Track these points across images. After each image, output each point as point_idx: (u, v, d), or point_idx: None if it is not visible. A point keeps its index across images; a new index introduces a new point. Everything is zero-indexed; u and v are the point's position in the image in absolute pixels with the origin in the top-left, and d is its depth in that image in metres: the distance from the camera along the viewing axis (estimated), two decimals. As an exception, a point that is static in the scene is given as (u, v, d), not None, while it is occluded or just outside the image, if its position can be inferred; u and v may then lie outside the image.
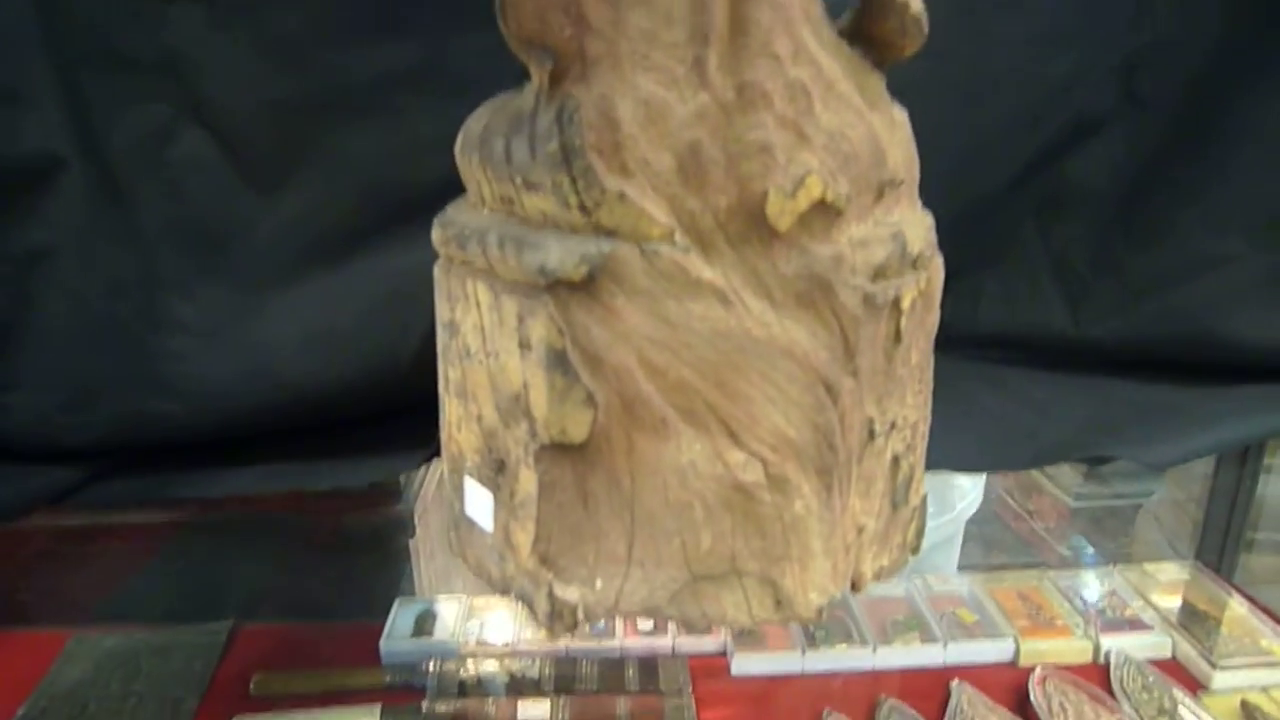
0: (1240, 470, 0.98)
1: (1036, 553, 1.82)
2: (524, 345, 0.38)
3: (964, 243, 0.75)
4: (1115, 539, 1.76)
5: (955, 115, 0.65)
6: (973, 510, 1.25)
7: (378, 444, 0.69)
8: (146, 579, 0.96)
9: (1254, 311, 0.68)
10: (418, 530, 0.94)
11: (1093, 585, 0.95)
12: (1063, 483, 1.92)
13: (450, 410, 0.44)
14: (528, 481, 0.39)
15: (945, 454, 0.62)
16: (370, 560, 0.97)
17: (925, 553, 1.13)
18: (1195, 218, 0.69)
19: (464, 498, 0.44)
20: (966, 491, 1.24)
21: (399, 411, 0.66)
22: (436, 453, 0.68)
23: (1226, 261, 0.68)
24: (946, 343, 0.78)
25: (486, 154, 0.40)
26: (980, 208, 0.71)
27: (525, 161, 0.37)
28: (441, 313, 0.44)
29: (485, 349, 0.40)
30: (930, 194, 0.73)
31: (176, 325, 0.64)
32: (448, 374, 0.44)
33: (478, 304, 0.40)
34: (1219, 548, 0.99)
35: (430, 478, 0.99)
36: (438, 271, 0.43)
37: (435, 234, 0.43)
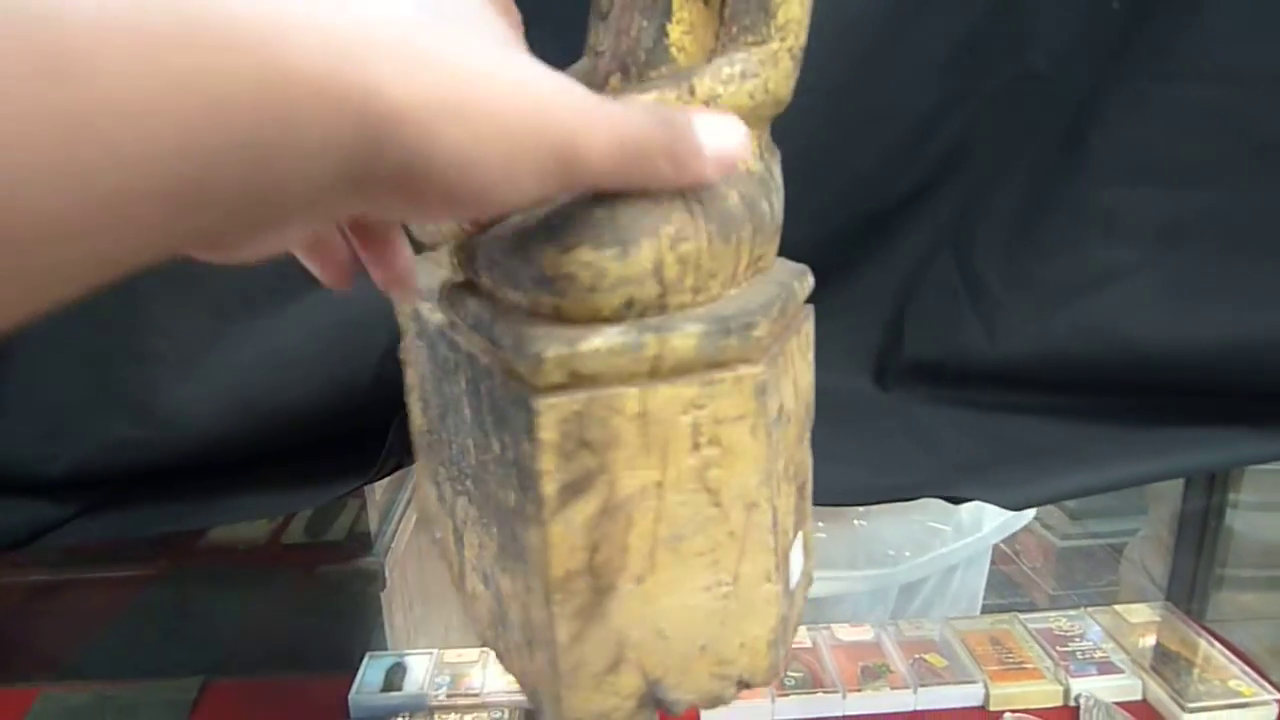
0: (1206, 505, 0.99)
1: (1024, 592, 1.81)
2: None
3: (878, 275, 0.78)
4: (1101, 578, 1.76)
5: (845, 147, 0.69)
6: (1008, 532, 1.18)
7: (340, 463, 0.70)
8: (116, 633, 0.96)
9: (1153, 320, 0.70)
10: (389, 582, 0.94)
11: (1064, 628, 0.95)
12: (1050, 522, 1.92)
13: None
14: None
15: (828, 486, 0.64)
16: (341, 613, 0.97)
17: (952, 573, 1.13)
18: (1091, 232, 0.71)
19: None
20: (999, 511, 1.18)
21: (362, 431, 0.67)
22: (388, 470, 0.70)
23: (1125, 273, 0.70)
24: (876, 375, 0.81)
25: None
26: (888, 239, 0.73)
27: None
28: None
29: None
30: (832, 226, 0.75)
31: (152, 356, 0.65)
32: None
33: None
34: (1189, 587, 1.00)
35: (402, 529, 0.99)
36: None
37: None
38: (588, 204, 0.34)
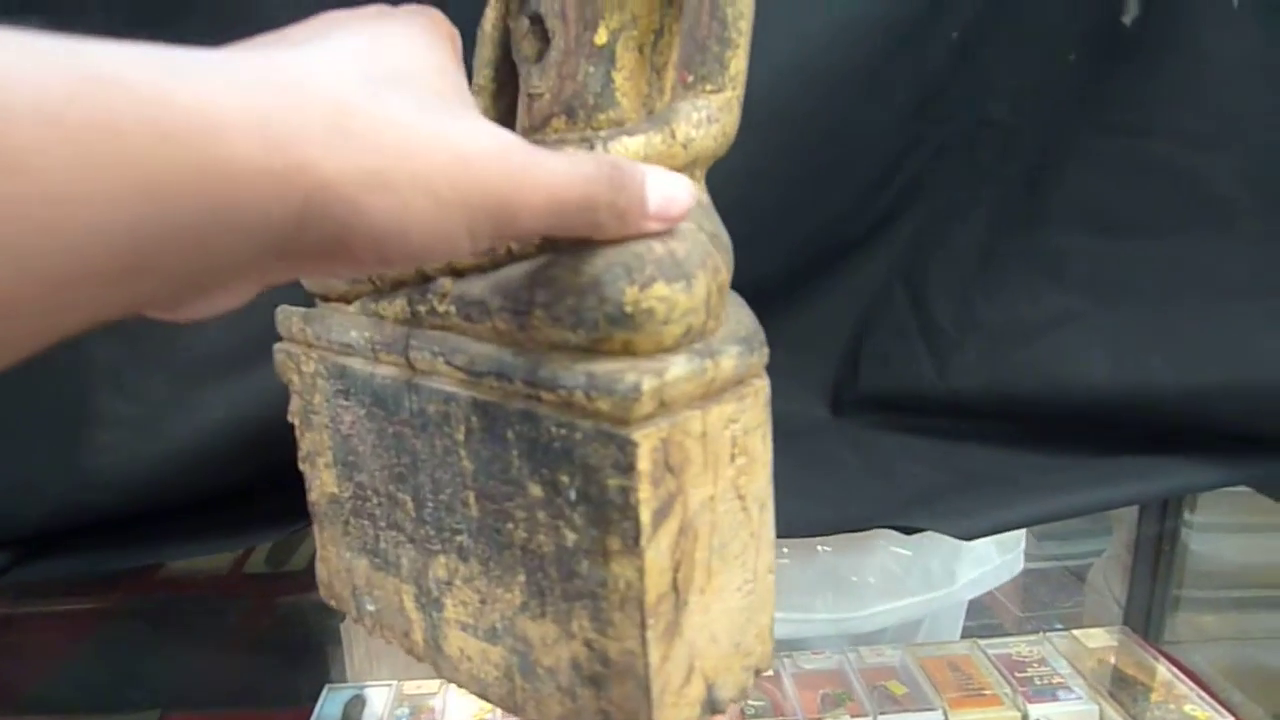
0: (1162, 528, 1.01)
1: (992, 614, 1.83)
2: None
3: (835, 309, 0.80)
4: (1068, 599, 1.78)
5: (809, 187, 0.71)
6: (982, 588, 1.14)
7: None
8: (74, 667, 0.95)
9: (1100, 364, 0.71)
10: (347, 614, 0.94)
11: (1023, 654, 0.96)
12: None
13: None
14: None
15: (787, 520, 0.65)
16: (301, 644, 0.96)
17: (918, 626, 1.12)
18: (1042, 277, 0.74)
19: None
20: (983, 559, 1.13)
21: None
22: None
23: (1073, 318, 0.72)
24: (832, 406, 0.82)
25: None
26: (845, 275, 0.75)
27: None
28: None
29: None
30: (793, 261, 0.76)
31: (109, 418, 0.65)
32: None
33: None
34: (1146, 609, 1.01)
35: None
36: None
37: None
38: (644, 241, 0.37)
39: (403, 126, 0.26)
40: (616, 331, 0.36)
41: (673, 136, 0.44)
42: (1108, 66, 0.71)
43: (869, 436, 0.78)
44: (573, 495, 0.37)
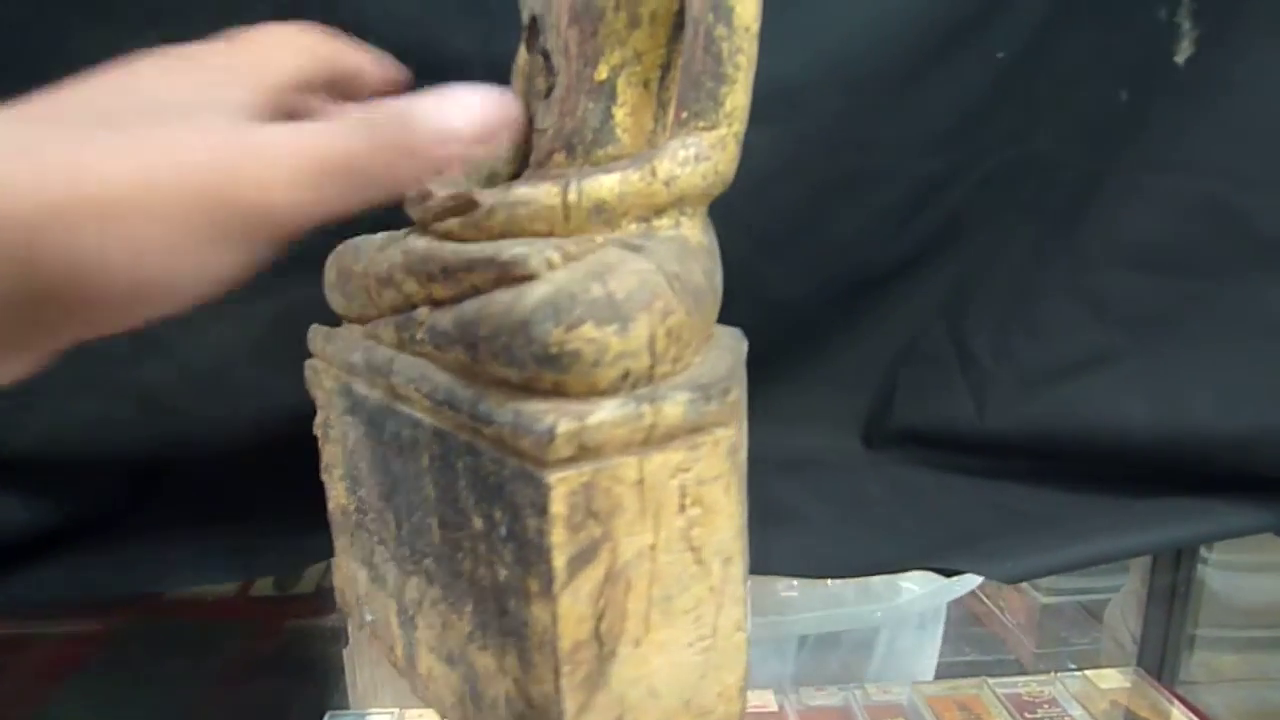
0: (1177, 564, 0.98)
1: (1010, 649, 1.80)
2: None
3: (871, 341, 0.79)
4: (1085, 635, 1.75)
5: (845, 210, 0.70)
6: (940, 599, 1.12)
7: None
8: (76, 689, 0.95)
9: (1141, 404, 0.69)
10: (351, 639, 0.93)
11: (1034, 693, 0.94)
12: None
13: None
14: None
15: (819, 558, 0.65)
16: (304, 669, 0.96)
17: (876, 635, 1.09)
18: (1083, 314, 0.72)
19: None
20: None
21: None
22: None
23: (1115, 356, 0.70)
24: (866, 440, 0.81)
25: None
26: (882, 307, 0.74)
27: None
28: None
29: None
30: (829, 290, 0.75)
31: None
32: None
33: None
34: (1160, 649, 0.99)
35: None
36: None
37: None
38: (584, 280, 0.36)
39: (109, 151, 0.24)
40: (545, 372, 0.36)
41: (653, 174, 0.43)
42: (1158, 104, 0.69)
43: (905, 473, 0.75)
44: (503, 532, 0.37)
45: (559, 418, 0.34)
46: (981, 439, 0.75)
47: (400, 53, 0.41)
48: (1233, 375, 0.67)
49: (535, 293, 0.36)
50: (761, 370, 0.75)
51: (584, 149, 0.48)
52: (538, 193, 0.43)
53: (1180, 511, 0.71)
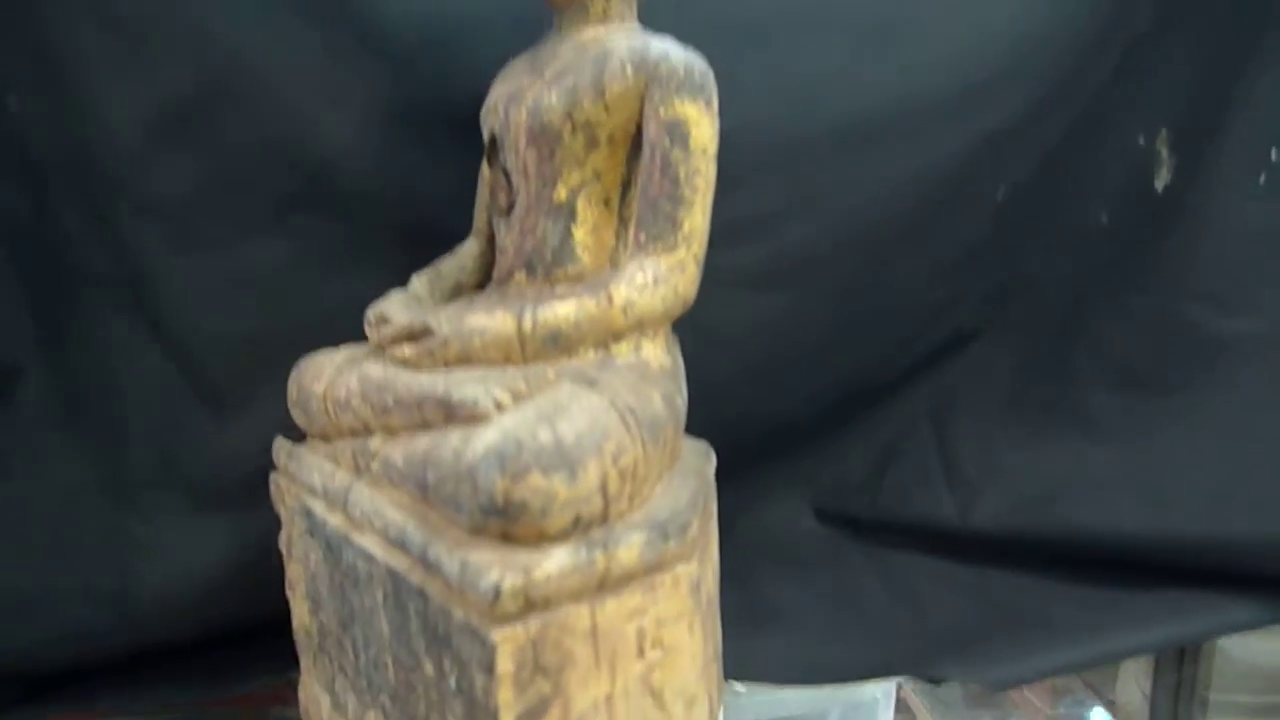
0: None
1: (1025, 714, 1.75)
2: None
3: (862, 442, 0.79)
4: (1101, 696, 1.70)
5: (851, 337, 0.72)
6: None
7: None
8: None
9: (1127, 515, 0.70)
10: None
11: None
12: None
13: None
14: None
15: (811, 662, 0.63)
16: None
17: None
18: (1068, 429, 0.73)
19: None
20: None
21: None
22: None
23: (1100, 470, 0.71)
24: (855, 532, 0.80)
25: None
26: (875, 413, 0.74)
27: None
28: None
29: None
30: (825, 402, 0.76)
31: (124, 537, 0.65)
32: None
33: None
34: (1172, 711, 0.96)
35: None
36: None
37: None
38: (532, 425, 0.35)
39: None
40: (492, 521, 0.35)
41: (609, 301, 0.43)
42: (1140, 228, 0.71)
43: (893, 571, 0.75)
44: (453, 684, 0.36)
45: (504, 572, 0.33)
46: (965, 539, 0.75)
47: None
48: (1218, 486, 0.67)
49: (482, 440, 0.35)
50: (751, 468, 0.76)
51: (544, 268, 0.48)
52: (493, 322, 0.43)
53: (1171, 608, 0.69)
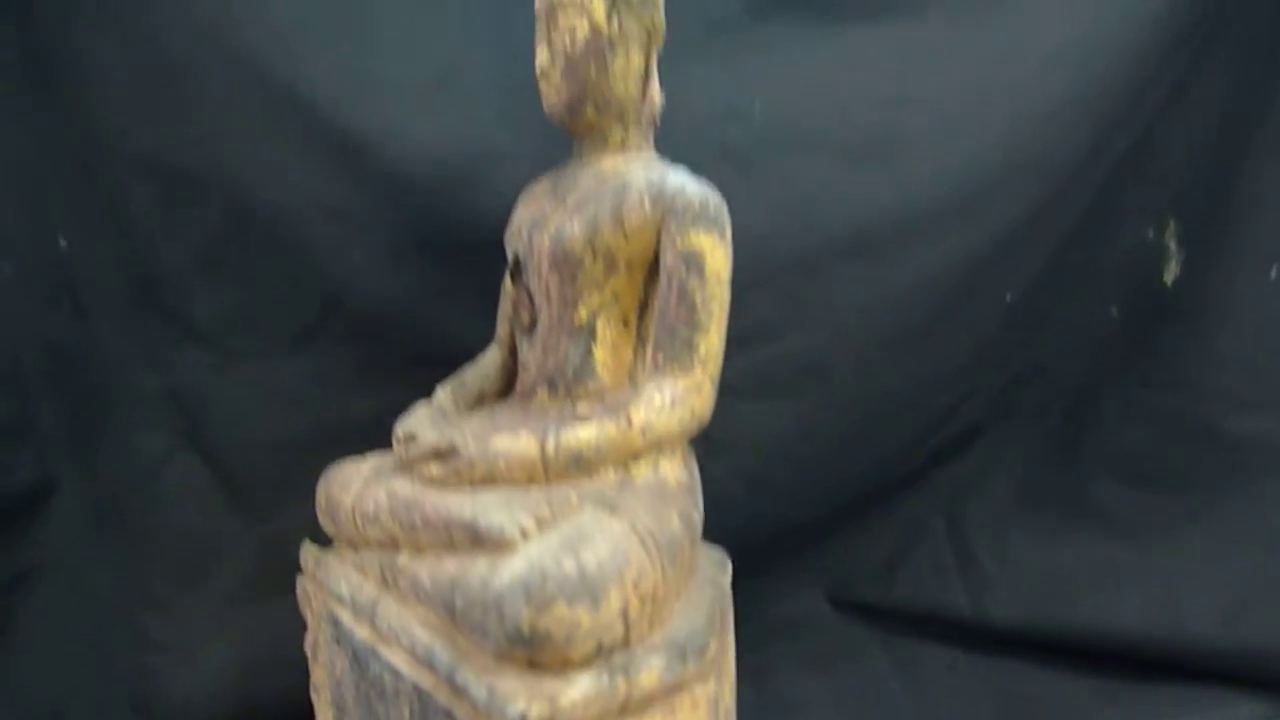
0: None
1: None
2: None
3: (878, 530, 0.80)
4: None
5: (867, 439, 0.74)
6: None
7: None
8: None
9: (1142, 613, 0.70)
10: None
11: None
12: None
13: None
14: None
15: None
16: None
17: None
18: (1081, 524, 0.74)
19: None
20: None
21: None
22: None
23: (1114, 567, 0.72)
24: (863, 620, 0.80)
25: None
26: (889, 508, 0.76)
27: None
28: None
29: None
30: (840, 501, 0.77)
31: (153, 643, 0.67)
32: None
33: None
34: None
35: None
36: None
37: None
38: (556, 554, 0.37)
39: None
40: (518, 650, 0.36)
41: (629, 424, 0.45)
42: (1151, 322, 0.72)
43: (910, 661, 0.76)
44: None
45: (531, 701, 0.35)
46: (977, 630, 0.75)
47: None
48: (1229, 586, 0.67)
49: (509, 570, 0.37)
50: (766, 565, 0.77)
51: (566, 385, 0.50)
52: (518, 445, 0.44)
53: (1188, 701, 0.69)
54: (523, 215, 0.53)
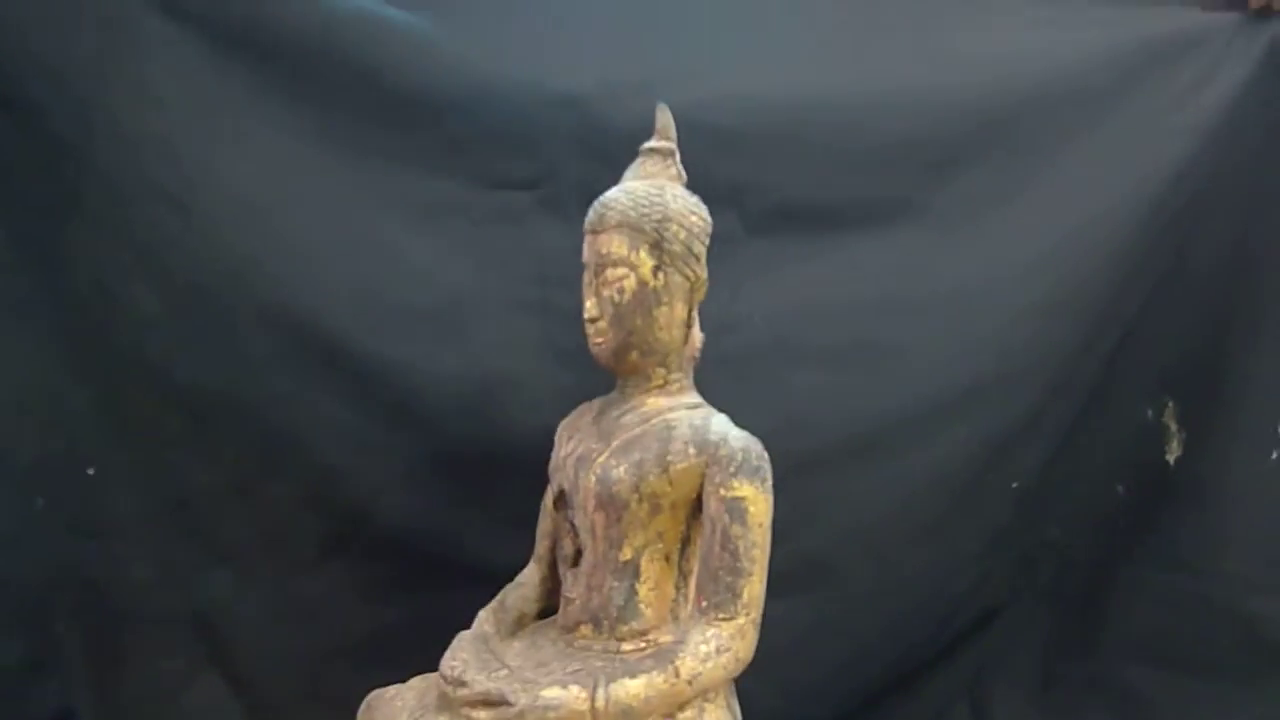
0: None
1: None
2: None
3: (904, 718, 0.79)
4: None
5: (890, 630, 0.75)
6: None
7: None
8: None
9: None
10: None
11: None
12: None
13: None
14: None
15: None
16: None
17: None
18: (1097, 702, 0.74)
19: None
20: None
21: None
22: None
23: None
24: None
25: None
26: (911, 692, 0.76)
27: None
28: None
29: None
30: (859, 686, 0.77)
31: None
32: None
33: None
34: None
35: None
36: None
37: None
38: None
39: None
40: None
41: (676, 675, 0.46)
42: (1157, 500, 0.74)
43: None
44: None
45: None
46: None
47: None
48: None
49: None
50: None
51: (610, 623, 0.51)
52: (567, 697, 0.45)
53: None
54: (569, 450, 0.55)
